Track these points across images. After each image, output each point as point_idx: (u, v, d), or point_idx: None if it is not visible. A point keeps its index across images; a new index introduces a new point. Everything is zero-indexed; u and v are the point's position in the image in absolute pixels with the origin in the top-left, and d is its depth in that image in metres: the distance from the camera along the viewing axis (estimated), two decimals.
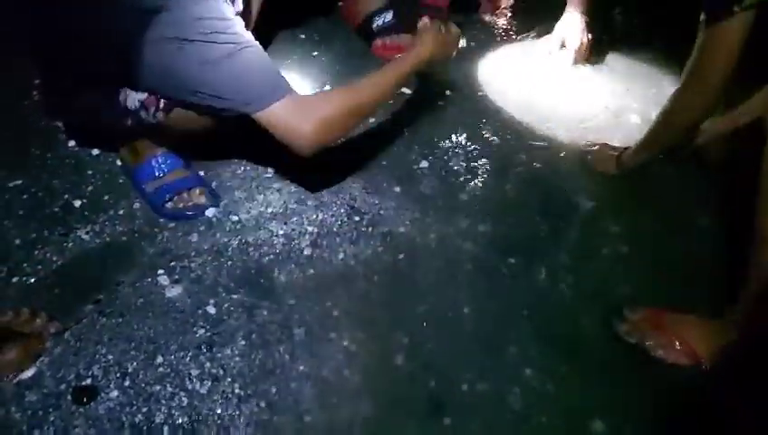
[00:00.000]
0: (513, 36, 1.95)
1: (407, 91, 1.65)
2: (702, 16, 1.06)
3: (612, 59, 1.87)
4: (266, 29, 1.43)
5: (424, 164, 1.44)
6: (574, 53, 1.78)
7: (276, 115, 1.03)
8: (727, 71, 1.06)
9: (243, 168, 1.37)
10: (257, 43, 1.04)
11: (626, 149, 1.41)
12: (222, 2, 0.98)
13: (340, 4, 1.90)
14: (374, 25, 1.78)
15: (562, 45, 1.80)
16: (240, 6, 1.13)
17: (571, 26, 1.78)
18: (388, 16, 1.79)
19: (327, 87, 1.65)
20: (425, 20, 1.33)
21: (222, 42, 0.97)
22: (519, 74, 1.77)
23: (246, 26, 1.25)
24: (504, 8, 2.07)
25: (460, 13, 2.00)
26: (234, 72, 0.98)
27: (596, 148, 1.48)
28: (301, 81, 1.66)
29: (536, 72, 1.79)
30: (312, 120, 1.05)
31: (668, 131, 1.27)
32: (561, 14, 1.83)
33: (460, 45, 1.41)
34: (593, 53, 1.82)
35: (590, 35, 1.78)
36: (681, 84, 1.17)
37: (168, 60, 0.98)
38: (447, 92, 1.66)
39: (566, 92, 1.72)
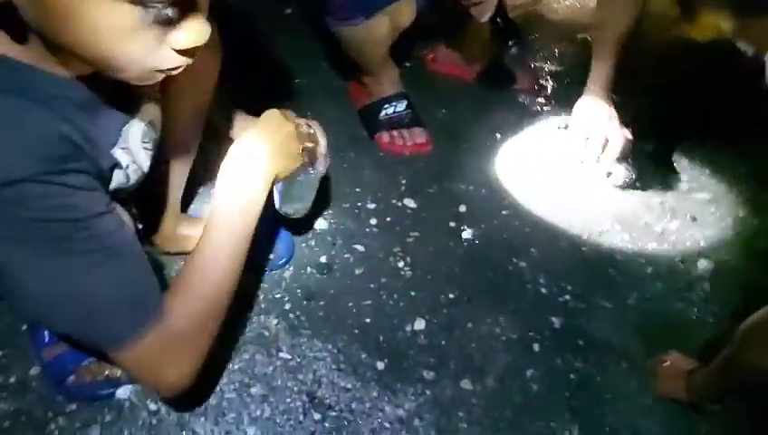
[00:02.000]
0: (549, 122, 1.57)
1: (410, 204, 1.30)
2: None
3: (672, 170, 1.48)
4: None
5: (419, 325, 1.08)
6: (602, 150, 1.31)
7: (135, 357, 0.66)
8: None
9: None
10: (131, 244, 0.66)
11: (700, 366, 1.00)
12: (83, 192, 0.60)
13: (351, 82, 1.55)
14: (382, 114, 1.43)
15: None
16: (135, 175, 0.75)
17: (594, 112, 1.32)
18: (401, 106, 1.43)
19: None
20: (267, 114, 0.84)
21: (65, 252, 0.59)
22: (555, 186, 1.38)
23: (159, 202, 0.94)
24: (543, 85, 1.70)
25: (491, 87, 1.64)
26: (79, 294, 0.61)
27: (665, 362, 1.05)
28: None
29: (575, 184, 1.40)
30: (181, 365, 0.70)
31: (739, 374, 0.89)
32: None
33: (322, 156, 0.94)
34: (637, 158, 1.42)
35: (623, 128, 1.31)
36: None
37: None
38: (462, 208, 1.30)
39: (616, 220, 1.32)
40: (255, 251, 1.08)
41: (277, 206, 1.05)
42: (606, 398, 1.02)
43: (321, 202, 1.24)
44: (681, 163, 1.48)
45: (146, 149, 0.76)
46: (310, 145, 0.94)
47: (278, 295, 1.08)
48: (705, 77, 1.67)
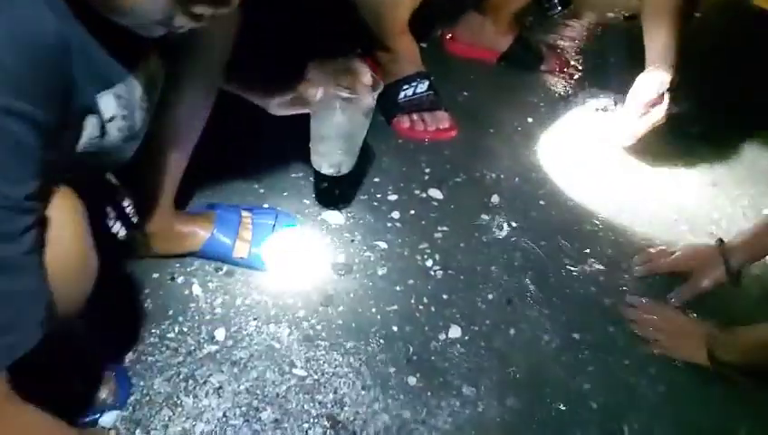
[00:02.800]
0: (583, 106, 1.42)
1: (436, 195, 1.15)
2: None
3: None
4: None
5: (455, 332, 0.93)
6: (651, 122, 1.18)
7: None
8: None
9: (170, 334, 0.88)
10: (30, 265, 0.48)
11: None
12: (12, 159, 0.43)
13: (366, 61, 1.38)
14: (401, 96, 1.27)
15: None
16: (119, 133, 0.57)
17: (646, 84, 1.16)
18: (422, 86, 1.28)
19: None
20: None
21: None
22: (596, 174, 1.23)
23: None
24: (573, 66, 1.55)
25: (516, 68, 1.49)
26: None
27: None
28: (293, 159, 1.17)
29: (620, 172, 1.25)
30: None
31: None
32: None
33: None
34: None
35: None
36: None
37: None
38: (494, 199, 1.15)
39: (674, 211, 1.17)
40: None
41: (315, 164, 0.94)
42: (670, 413, 0.87)
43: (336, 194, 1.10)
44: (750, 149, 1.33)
45: (142, 108, 0.60)
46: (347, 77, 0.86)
47: (290, 300, 0.92)
48: None
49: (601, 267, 1.05)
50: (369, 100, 0.88)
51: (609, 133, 1.27)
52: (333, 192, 1.07)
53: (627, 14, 1.71)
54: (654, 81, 1.16)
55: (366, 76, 0.88)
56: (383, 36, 1.23)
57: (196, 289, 0.92)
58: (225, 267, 0.95)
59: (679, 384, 0.90)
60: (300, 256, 0.98)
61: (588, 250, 1.07)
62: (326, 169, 0.95)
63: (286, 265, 0.96)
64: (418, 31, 1.52)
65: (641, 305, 0.98)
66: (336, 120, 0.88)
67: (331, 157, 0.93)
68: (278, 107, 0.89)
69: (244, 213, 0.99)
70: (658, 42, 1.17)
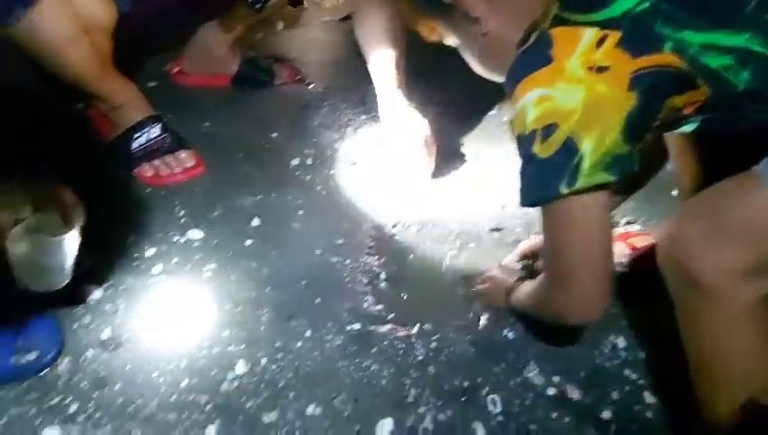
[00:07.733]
0: (321, 109, 1.48)
1: (196, 235, 1.12)
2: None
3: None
4: None
5: (242, 368, 0.91)
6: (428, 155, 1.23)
7: None
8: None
9: None
10: None
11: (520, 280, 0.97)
12: None
13: (92, 113, 1.26)
14: (134, 145, 1.20)
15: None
16: None
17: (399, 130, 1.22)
18: (155, 130, 1.22)
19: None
20: None
21: None
22: (350, 175, 1.31)
23: None
24: (305, 73, 1.60)
25: (251, 87, 1.50)
26: None
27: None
28: None
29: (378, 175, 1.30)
30: None
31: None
32: None
33: None
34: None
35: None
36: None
37: None
38: (255, 222, 1.15)
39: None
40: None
41: (27, 284, 0.82)
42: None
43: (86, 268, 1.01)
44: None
45: None
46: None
47: (56, 400, 0.83)
48: None
49: (372, 260, 1.10)
50: (80, 221, 0.82)
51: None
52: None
53: (341, 17, 1.82)
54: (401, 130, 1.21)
55: (74, 203, 0.81)
56: (82, 84, 1.13)
57: None
58: None
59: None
60: (58, 347, 0.89)
61: (358, 246, 1.12)
62: (38, 290, 0.84)
63: (43, 364, 0.86)
64: (143, 71, 1.46)
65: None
66: (45, 261, 0.81)
67: (41, 284, 0.84)
68: None
69: None
70: (384, 65, 1.23)
